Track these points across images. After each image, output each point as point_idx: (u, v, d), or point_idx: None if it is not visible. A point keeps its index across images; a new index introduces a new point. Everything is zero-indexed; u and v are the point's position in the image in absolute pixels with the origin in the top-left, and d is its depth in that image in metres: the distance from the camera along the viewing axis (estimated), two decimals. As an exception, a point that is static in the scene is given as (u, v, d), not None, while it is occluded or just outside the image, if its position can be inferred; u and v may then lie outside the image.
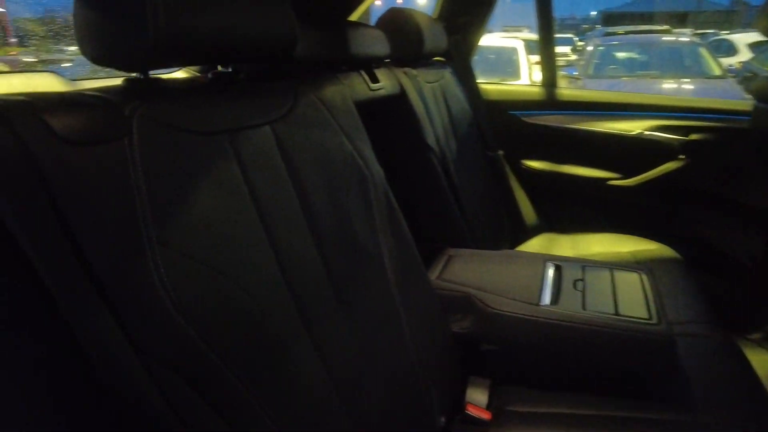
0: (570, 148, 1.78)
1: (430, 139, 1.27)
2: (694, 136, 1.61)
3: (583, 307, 0.94)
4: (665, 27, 8.61)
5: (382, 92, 1.15)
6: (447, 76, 1.58)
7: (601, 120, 1.73)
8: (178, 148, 0.54)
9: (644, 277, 1.06)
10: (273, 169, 0.66)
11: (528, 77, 5.28)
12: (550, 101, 1.79)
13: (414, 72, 1.35)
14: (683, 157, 1.62)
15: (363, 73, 1.11)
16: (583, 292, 1.00)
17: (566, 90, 1.80)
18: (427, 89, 1.39)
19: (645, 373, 0.90)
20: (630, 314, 0.92)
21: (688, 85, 5.43)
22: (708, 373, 0.97)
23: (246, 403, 0.53)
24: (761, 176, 1.51)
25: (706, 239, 1.69)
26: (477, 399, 0.92)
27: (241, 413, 0.52)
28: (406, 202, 1.37)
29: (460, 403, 0.91)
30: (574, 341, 0.91)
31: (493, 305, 0.96)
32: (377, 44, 1.12)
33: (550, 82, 1.81)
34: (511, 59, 5.44)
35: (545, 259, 1.14)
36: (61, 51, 3.48)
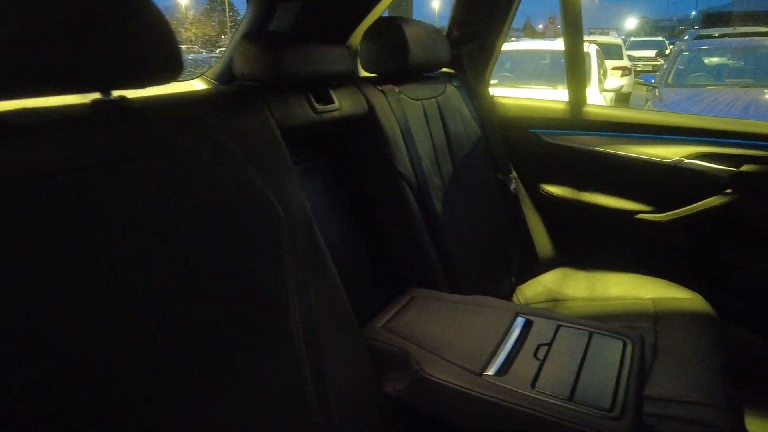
0: (595, 173, 1.57)
1: (402, 165, 1.14)
2: (747, 168, 1.34)
3: (533, 384, 0.78)
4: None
5: (334, 114, 1.03)
6: (449, 90, 1.43)
7: (634, 143, 1.50)
8: None
9: (630, 347, 0.87)
10: (126, 215, 0.57)
11: (597, 85, 4.98)
12: (575, 120, 1.58)
13: (396, 89, 1.22)
14: (730, 191, 1.37)
15: (309, 94, 1.00)
16: (543, 362, 0.83)
17: (595, 108, 1.58)
18: (413, 107, 1.25)
19: None
20: (587, 401, 0.74)
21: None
22: None
23: None
24: None
25: (749, 291, 1.42)
26: None
27: None
28: (379, 235, 1.25)
29: None
30: (516, 427, 0.75)
31: (428, 369, 0.82)
32: (329, 60, 1.00)
33: (576, 98, 1.60)
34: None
35: (517, 311, 0.97)
36: None
